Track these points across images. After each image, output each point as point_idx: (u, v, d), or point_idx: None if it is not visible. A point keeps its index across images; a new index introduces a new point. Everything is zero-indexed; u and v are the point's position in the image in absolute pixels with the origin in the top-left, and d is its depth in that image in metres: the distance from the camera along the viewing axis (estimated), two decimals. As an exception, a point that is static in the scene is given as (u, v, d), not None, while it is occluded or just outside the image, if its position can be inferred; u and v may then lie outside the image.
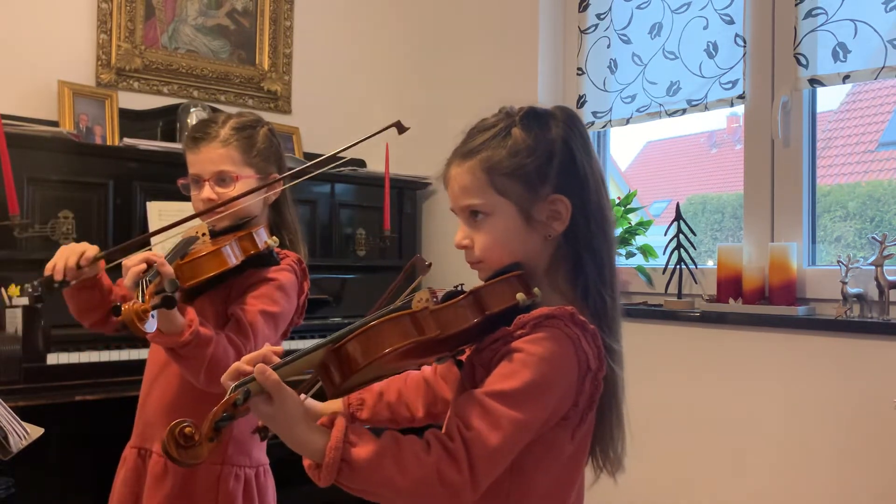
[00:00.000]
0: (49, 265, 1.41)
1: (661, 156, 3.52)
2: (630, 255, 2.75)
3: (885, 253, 2.01)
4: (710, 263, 2.58)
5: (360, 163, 3.21)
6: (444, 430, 1.01)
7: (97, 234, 2.40)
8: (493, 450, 0.96)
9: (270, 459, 1.64)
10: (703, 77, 2.52)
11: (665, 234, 2.58)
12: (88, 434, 2.17)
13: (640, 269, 2.67)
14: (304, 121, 3.25)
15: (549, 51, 2.94)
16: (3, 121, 2.20)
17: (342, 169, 2.93)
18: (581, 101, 2.88)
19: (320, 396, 1.07)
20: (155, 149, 2.54)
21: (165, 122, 2.78)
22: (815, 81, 2.24)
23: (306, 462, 0.97)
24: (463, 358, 1.11)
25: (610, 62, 2.81)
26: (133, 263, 1.32)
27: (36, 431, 1.32)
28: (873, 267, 2.02)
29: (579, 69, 2.90)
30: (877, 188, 2.38)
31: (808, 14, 2.25)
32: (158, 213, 2.36)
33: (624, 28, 2.77)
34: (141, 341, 1.73)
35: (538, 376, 0.98)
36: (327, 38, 3.38)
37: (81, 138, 2.55)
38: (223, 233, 1.54)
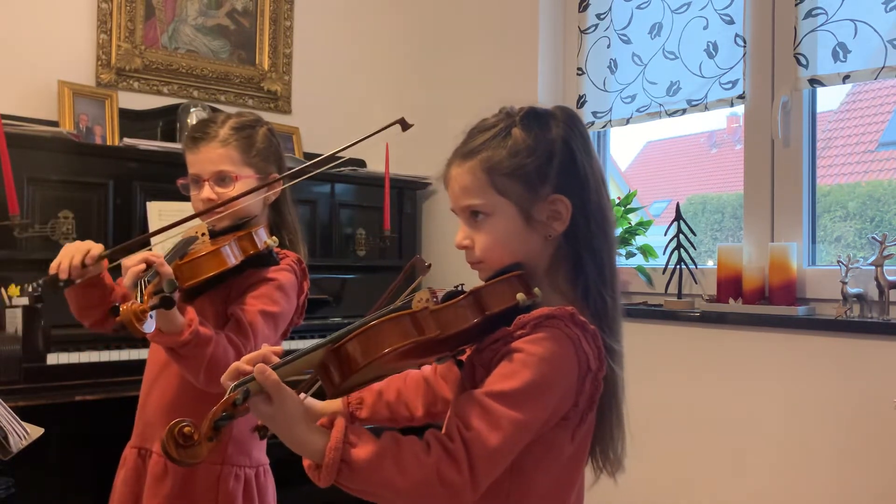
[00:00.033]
0: (54, 264, 1.41)
1: (661, 156, 3.52)
2: (630, 255, 2.75)
3: (885, 253, 2.01)
4: (710, 263, 2.58)
5: (360, 163, 3.21)
6: (443, 431, 1.01)
7: (97, 234, 2.40)
8: (493, 450, 0.96)
9: (270, 459, 1.64)
10: (703, 77, 2.52)
11: (665, 234, 2.58)
12: (88, 434, 2.17)
13: (640, 269, 2.67)
14: (304, 121, 3.25)
15: (549, 51, 2.94)
16: (3, 121, 2.20)
17: (342, 169, 2.94)
18: (581, 101, 2.88)
19: (320, 395, 1.07)
20: (155, 149, 2.54)
21: (165, 122, 2.78)
22: (815, 81, 2.24)
23: (306, 462, 0.97)
24: (463, 358, 1.11)
25: (610, 62, 2.81)
26: (132, 264, 1.32)
27: (36, 431, 1.32)
28: (873, 267, 2.02)
29: (579, 69, 2.90)
30: (877, 188, 2.38)
31: (808, 14, 2.25)
32: (158, 213, 2.36)
33: (624, 28, 2.77)
34: (141, 341, 1.73)
35: (538, 376, 0.98)
36: (327, 38, 3.38)
37: (81, 138, 2.55)
38: (223, 233, 1.54)
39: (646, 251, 2.71)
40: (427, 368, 1.29)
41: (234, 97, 3.13)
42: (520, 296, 1.02)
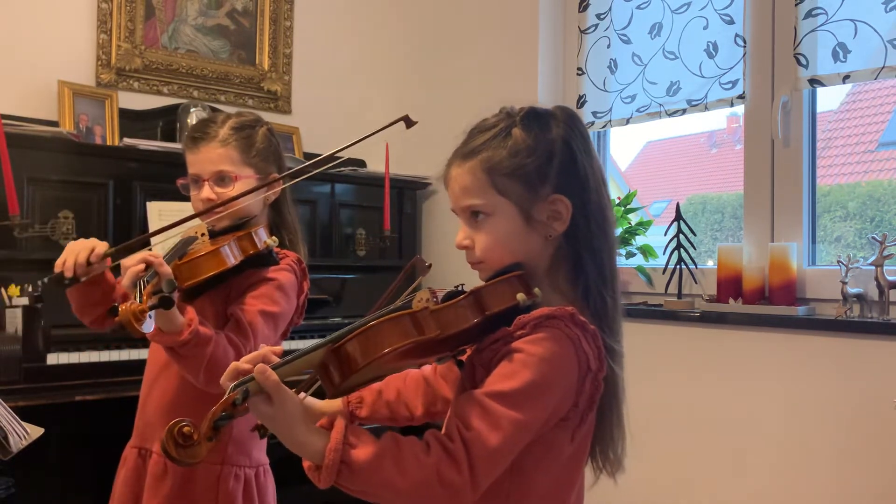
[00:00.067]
0: (59, 261, 1.41)
1: (661, 156, 3.52)
2: (630, 255, 2.75)
3: (885, 253, 2.01)
4: (710, 263, 2.58)
5: (360, 163, 3.21)
6: (443, 431, 1.01)
7: (97, 234, 2.36)
8: (493, 450, 0.96)
9: (270, 459, 1.64)
10: (703, 77, 2.52)
11: (665, 234, 2.58)
12: (88, 434, 2.17)
13: (640, 269, 2.67)
14: (304, 121, 3.25)
15: (549, 51, 2.94)
16: (3, 121, 2.20)
17: (342, 169, 2.94)
18: (581, 101, 2.88)
19: (320, 395, 1.07)
20: (155, 149, 2.54)
21: (165, 122, 2.78)
22: (815, 81, 2.24)
23: (306, 463, 0.96)
24: (464, 358, 1.11)
25: (610, 62, 2.81)
26: (131, 264, 1.32)
27: (36, 431, 1.32)
28: (873, 267, 2.02)
29: (579, 69, 2.90)
30: (877, 188, 2.38)
31: (808, 14, 2.25)
32: (158, 213, 2.36)
33: (624, 28, 2.77)
34: (141, 341, 1.73)
35: (538, 377, 0.98)
36: (327, 38, 3.38)
37: (81, 138, 2.55)
38: (222, 233, 1.54)
39: (646, 251, 2.71)
40: (427, 368, 1.29)
41: (234, 97, 3.13)
42: (520, 296, 1.02)
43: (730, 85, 2.45)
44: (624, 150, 3.23)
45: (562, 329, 1.01)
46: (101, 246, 1.43)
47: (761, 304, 2.26)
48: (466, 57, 3.17)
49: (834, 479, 2.05)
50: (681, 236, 2.50)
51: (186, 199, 1.64)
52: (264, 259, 1.56)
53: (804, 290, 2.26)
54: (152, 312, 1.25)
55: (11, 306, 2.06)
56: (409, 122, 1.44)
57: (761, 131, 2.38)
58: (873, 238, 2.05)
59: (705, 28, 2.52)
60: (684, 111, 2.58)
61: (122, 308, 1.21)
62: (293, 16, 3.27)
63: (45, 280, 1.41)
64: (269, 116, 2.84)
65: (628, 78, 2.74)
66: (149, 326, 1.24)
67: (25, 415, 1.36)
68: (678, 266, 2.50)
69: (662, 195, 3.30)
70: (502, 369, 1.00)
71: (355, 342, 0.96)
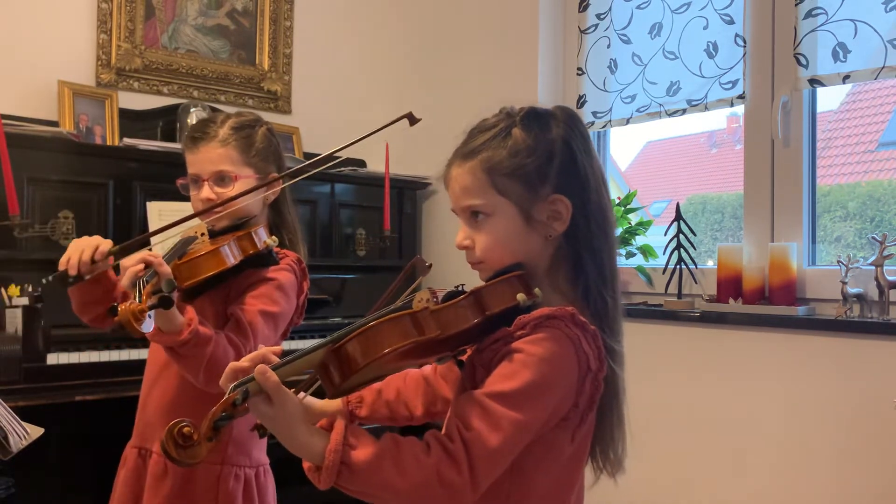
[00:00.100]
0: (63, 259, 1.41)
1: (661, 156, 3.52)
2: (630, 255, 2.75)
3: (885, 253, 2.01)
4: (710, 263, 2.58)
5: (360, 163, 3.21)
6: (443, 431, 1.00)
7: (97, 234, 2.37)
8: (493, 450, 0.96)
9: (270, 459, 1.64)
10: (703, 77, 2.52)
11: (665, 234, 2.58)
12: (88, 434, 2.17)
13: (640, 269, 2.67)
14: (304, 121, 3.25)
15: (549, 51, 2.94)
16: (3, 121, 2.20)
17: (342, 169, 2.94)
18: (581, 101, 2.88)
19: (320, 394, 1.07)
20: (155, 149, 2.54)
21: (165, 122, 2.78)
22: (815, 81, 2.24)
23: (306, 464, 0.96)
24: (464, 358, 1.11)
25: (610, 62, 2.81)
26: (130, 264, 1.32)
27: (36, 431, 1.32)
28: (873, 267, 2.02)
29: (579, 69, 2.90)
30: (877, 188, 2.38)
31: (808, 14, 2.25)
32: (158, 213, 2.36)
33: (624, 28, 2.77)
34: (141, 341, 1.73)
35: (538, 377, 0.98)
36: (327, 38, 3.38)
37: (81, 138, 2.55)
38: (222, 233, 1.54)
39: (646, 251, 2.71)
40: (427, 368, 1.29)
41: (234, 97, 3.13)
42: (520, 296, 1.02)
43: (730, 85, 2.45)
44: (624, 150, 3.23)
45: (562, 329, 1.01)
46: (106, 244, 1.43)
47: (761, 304, 2.26)
48: (466, 57, 3.17)
49: (834, 479, 2.05)
50: (681, 236, 2.50)
51: (186, 199, 1.63)
52: (264, 259, 1.56)
53: (804, 290, 2.26)
54: (152, 312, 1.25)
55: (11, 306, 2.06)
56: (412, 120, 1.44)
57: (761, 131, 2.38)
58: (873, 238, 2.05)
59: (705, 28, 2.52)
60: (684, 111, 2.58)
61: (121, 308, 1.20)
62: (293, 16, 3.27)
63: (50, 278, 1.40)
64: (269, 116, 2.84)
65: (628, 78, 2.74)
66: (148, 326, 1.24)
67: (25, 415, 1.36)
68: (678, 266, 2.50)
69: (662, 195, 3.30)
70: (502, 369, 1.00)
71: (355, 342, 0.96)
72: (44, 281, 1.41)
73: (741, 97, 2.42)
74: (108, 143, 2.68)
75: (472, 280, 1.09)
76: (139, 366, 1.70)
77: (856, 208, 2.36)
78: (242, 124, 1.62)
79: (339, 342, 0.97)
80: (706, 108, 2.52)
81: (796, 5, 2.27)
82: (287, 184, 1.65)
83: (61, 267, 1.40)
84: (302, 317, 1.66)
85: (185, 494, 1.50)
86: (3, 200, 2.15)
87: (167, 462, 1.43)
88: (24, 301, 2.06)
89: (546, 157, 1.08)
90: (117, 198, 2.48)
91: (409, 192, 3.22)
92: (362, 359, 0.95)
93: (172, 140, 2.68)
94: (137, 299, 1.25)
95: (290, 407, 0.95)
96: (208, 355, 1.38)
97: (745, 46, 2.41)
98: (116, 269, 1.42)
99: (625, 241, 2.72)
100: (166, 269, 1.33)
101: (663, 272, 2.54)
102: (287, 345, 2.18)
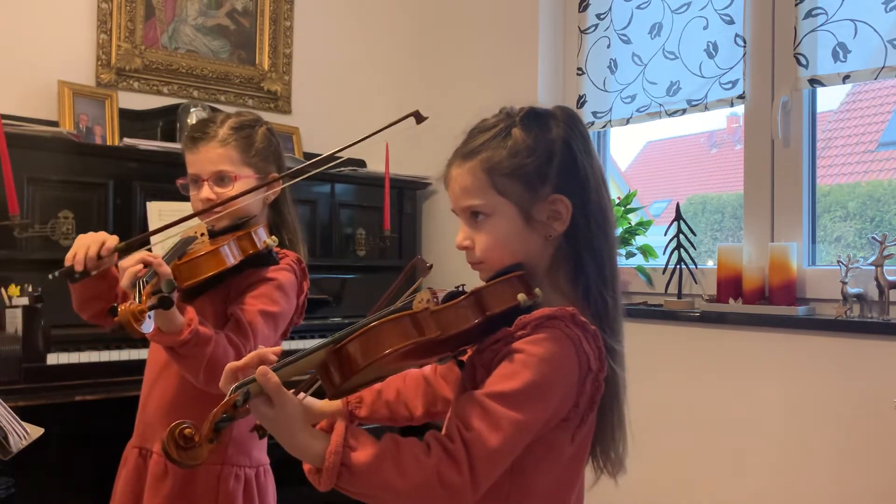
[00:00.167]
0: (69, 255, 1.41)
1: (661, 156, 3.52)
2: (630, 255, 2.75)
3: (885, 253, 2.01)
4: (710, 263, 2.58)
5: (360, 163, 3.21)
6: (444, 431, 1.00)
7: (97, 234, 2.40)
8: (494, 451, 0.96)
9: (270, 459, 1.64)
10: (703, 77, 2.52)
11: (665, 234, 2.58)
12: (88, 434, 2.17)
13: (640, 269, 2.67)
14: (304, 121, 3.25)
15: (549, 51, 2.94)
16: (3, 121, 2.19)
17: (342, 169, 2.94)
18: (581, 101, 2.88)
19: (320, 395, 1.07)
20: (155, 149, 2.54)
21: (165, 122, 2.77)
22: (815, 81, 2.24)
23: (306, 466, 0.96)
24: (464, 358, 1.11)
25: (610, 62, 2.81)
26: (129, 264, 1.32)
27: (36, 431, 1.32)
28: (873, 267, 2.02)
29: (579, 69, 2.90)
30: (877, 188, 2.38)
31: (808, 14, 2.25)
32: (158, 213, 2.36)
33: (624, 28, 2.77)
34: (141, 341, 1.73)
35: (539, 377, 0.98)
36: (327, 38, 3.38)
37: (81, 138, 2.55)
38: (222, 233, 1.54)
39: (646, 251, 2.71)
40: (427, 368, 1.29)
41: (234, 97, 3.13)
42: (521, 296, 1.02)
43: (730, 85, 2.45)
44: (624, 150, 3.23)
45: (562, 329, 1.01)
46: (112, 240, 1.43)
47: (761, 304, 2.26)
48: (466, 57, 3.17)
49: (834, 479, 2.05)
50: (681, 236, 2.50)
51: (186, 199, 1.63)
52: (264, 259, 1.56)
53: (804, 290, 2.26)
54: (152, 312, 1.25)
55: (11, 306, 2.06)
56: (419, 118, 1.43)
57: (761, 131, 2.38)
58: (873, 238, 2.05)
59: (705, 28, 2.52)
60: (684, 111, 2.58)
61: (121, 308, 1.20)
62: (293, 16, 3.27)
63: (56, 273, 1.40)
64: (269, 116, 2.84)
65: (628, 78, 2.74)
66: (148, 327, 1.24)
67: (25, 415, 1.36)
68: (678, 266, 2.50)
69: (662, 195, 3.30)
70: (503, 370, 1.00)
71: (356, 343, 0.96)
72: (50, 276, 1.41)
73: (741, 97, 2.42)
74: (108, 143, 2.68)
75: (473, 280, 1.09)
76: (139, 366, 1.70)
77: (856, 208, 2.36)
78: (242, 124, 1.62)
79: (340, 343, 0.97)
80: (706, 108, 2.52)
81: (796, 5, 2.27)
82: (287, 184, 1.65)
83: (67, 263, 1.40)
84: (302, 317, 1.66)
85: (186, 494, 1.50)
86: (3, 200, 2.14)
87: (168, 462, 1.44)
88: (24, 301, 2.06)
89: (546, 157, 1.08)
90: (117, 198, 2.48)
91: (409, 192, 3.22)
92: (363, 359, 0.95)
93: (172, 140, 2.68)
94: (137, 300, 1.25)
95: (290, 408, 0.95)
96: (208, 355, 1.37)
97: (745, 46, 2.41)
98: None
99: (625, 241, 2.72)
100: (166, 269, 1.33)
101: (663, 272, 2.54)
102: (287, 345, 2.18)
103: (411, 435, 1.00)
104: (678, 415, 2.38)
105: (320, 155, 1.60)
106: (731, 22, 2.45)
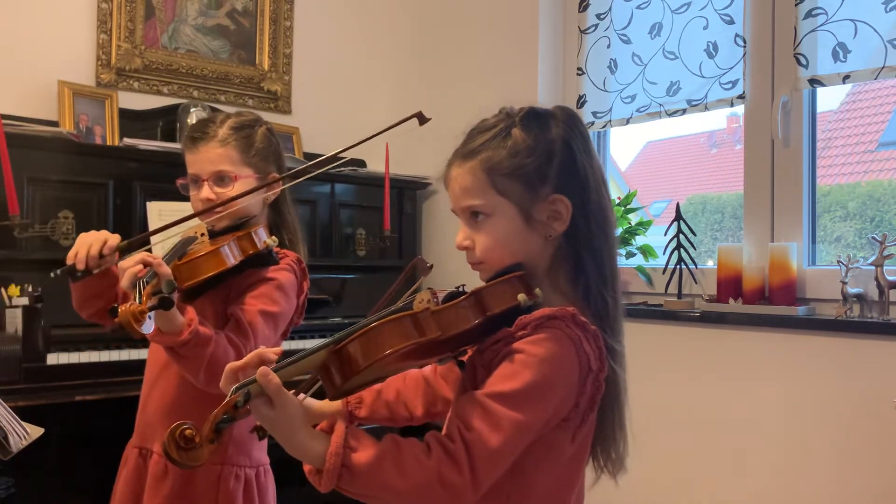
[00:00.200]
0: (71, 253, 1.41)
1: (661, 156, 3.52)
2: (630, 255, 2.75)
3: (885, 253, 2.01)
4: (710, 263, 2.58)
5: (360, 163, 3.21)
6: (444, 432, 1.00)
7: (97, 234, 2.40)
8: (494, 451, 0.96)
9: (270, 459, 1.64)
10: (703, 77, 2.52)
11: (665, 234, 2.58)
12: (88, 434, 2.17)
13: (640, 269, 2.67)
14: (304, 121, 3.25)
15: (549, 51, 2.94)
16: (3, 121, 2.19)
17: (342, 169, 2.93)
18: (581, 101, 2.88)
19: (320, 395, 1.07)
20: (155, 149, 2.54)
21: (165, 122, 2.78)
22: (815, 81, 2.24)
23: (307, 467, 0.96)
24: (465, 358, 1.11)
25: (610, 62, 2.81)
26: (130, 265, 1.32)
27: (36, 431, 1.32)
28: (873, 267, 2.02)
29: (579, 69, 2.90)
30: (877, 188, 2.38)
31: (808, 14, 2.25)
32: (158, 213, 2.36)
33: (624, 28, 2.77)
34: (141, 341, 1.73)
35: (539, 377, 0.98)
36: (327, 38, 3.38)
37: (81, 138, 2.55)
38: (222, 233, 1.54)
39: (646, 251, 2.71)
40: (427, 368, 1.29)
41: (234, 97, 3.13)
42: (521, 296, 1.02)
43: (730, 85, 2.45)
44: (624, 150, 3.23)
45: (563, 329, 1.01)
46: (114, 238, 1.43)
47: (761, 304, 2.26)
48: (466, 57, 3.17)
49: (834, 479, 2.05)
50: (681, 236, 2.50)
51: (186, 199, 1.63)
52: (264, 259, 1.56)
53: (804, 290, 2.26)
54: (152, 313, 1.25)
55: (11, 306, 2.06)
56: (422, 119, 1.43)
57: (761, 131, 2.38)
58: (873, 238, 2.05)
59: (705, 28, 2.52)
60: (684, 111, 2.58)
61: (121, 309, 1.20)
62: (293, 16, 3.27)
63: (58, 272, 1.40)
64: (269, 116, 2.84)
65: (628, 78, 2.74)
66: (149, 327, 1.24)
67: (25, 415, 1.36)
68: (678, 266, 2.50)
69: (662, 195, 3.30)
70: (503, 370, 1.00)
71: (356, 343, 0.96)
72: (52, 274, 1.41)
73: (741, 97, 2.42)
74: (108, 143, 2.68)
75: (473, 280, 1.09)
76: (139, 366, 1.70)
77: (856, 208, 2.36)
78: (242, 124, 1.62)
79: (340, 343, 0.97)
80: (706, 108, 2.52)
81: (796, 5, 2.27)
82: (288, 185, 1.65)
83: (69, 261, 1.40)
84: (302, 317, 1.66)
85: (186, 494, 1.50)
86: (3, 200, 2.14)
87: (168, 462, 1.44)
88: (24, 301, 2.06)
89: (546, 157, 1.08)
90: (117, 198, 2.48)
91: (409, 192, 3.22)
92: (363, 360, 0.95)
93: (172, 140, 2.68)
94: (137, 300, 1.25)
95: (291, 409, 0.95)
96: (208, 355, 1.37)
97: (745, 46, 2.41)
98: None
99: (625, 241, 2.72)
100: (166, 269, 1.33)
101: (663, 272, 2.54)
102: (287, 345, 2.18)
103: (411, 435, 1.00)
104: (678, 415, 2.38)
105: (320, 155, 1.60)
106: (731, 22, 2.45)
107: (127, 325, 1.20)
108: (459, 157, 1.11)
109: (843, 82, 2.20)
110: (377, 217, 3.03)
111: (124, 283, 1.31)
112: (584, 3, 2.90)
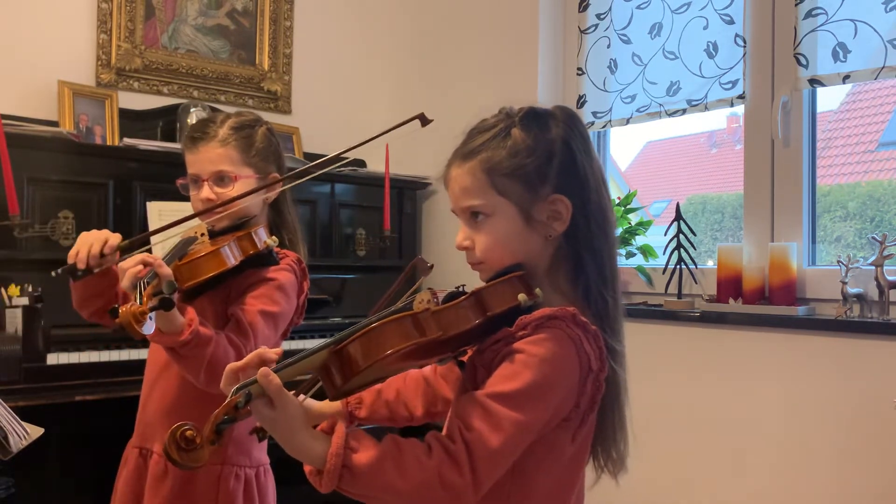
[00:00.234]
0: (72, 253, 1.41)
1: (661, 156, 3.52)
2: (630, 255, 2.75)
3: (885, 253, 2.01)
4: (710, 263, 2.58)
5: (360, 163, 3.21)
6: (444, 432, 1.00)
7: (97, 234, 2.40)
8: (495, 451, 0.96)
9: (270, 459, 1.64)
10: (703, 77, 2.52)
11: (665, 234, 2.58)
12: (88, 434, 2.17)
13: (640, 269, 2.67)
14: (304, 121, 3.25)
15: (549, 51, 2.94)
16: (3, 121, 2.19)
17: (342, 169, 2.94)
18: (581, 101, 2.88)
19: (321, 396, 1.07)
20: (155, 149, 2.54)
21: (165, 122, 2.78)
22: (815, 81, 2.24)
23: (307, 468, 0.96)
24: (465, 358, 1.11)
25: (610, 62, 2.81)
26: (130, 265, 1.32)
27: (36, 431, 1.32)
28: (873, 267, 2.02)
29: (579, 69, 2.90)
30: (877, 188, 2.38)
31: (808, 14, 2.25)
32: (158, 213, 2.36)
33: (624, 28, 2.77)
34: (141, 341, 1.73)
35: (539, 377, 0.98)
36: (327, 38, 3.38)
37: (81, 138, 2.55)
38: (222, 233, 1.54)
39: (646, 251, 2.71)
40: (427, 368, 1.29)
41: (234, 97, 3.13)
42: (521, 296, 1.02)
43: (730, 85, 2.45)
44: (624, 150, 3.23)
45: (563, 330, 1.01)
46: (115, 237, 1.43)
47: (761, 304, 2.26)
48: (466, 57, 3.17)
49: (834, 479, 2.05)
50: (681, 236, 2.50)
51: (186, 199, 1.63)
52: (264, 259, 1.56)
53: (804, 290, 2.26)
54: (153, 313, 1.25)
55: (11, 306, 2.06)
56: (424, 121, 1.43)
57: (761, 131, 2.38)
58: (873, 238, 2.06)
59: (705, 28, 2.52)
60: (684, 111, 2.58)
61: (122, 310, 1.20)
62: (293, 16, 3.27)
63: (59, 271, 1.40)
64: (269, 116, 2.84)
65: (628, 78, 2.74)
66: (149, 328, 1.24)
67: (25, 415, 1.36)
68: (678, 266, 2.50)
69: (662, 195, 3.30)
70: (504, 370, 1.00)
71: (357, 344, 0.96)
72: (53, 273, 1.41)
73: (741, 97, 2.42)
74: (108, 143, 2.68)
75: (473, 280, 1.09)
76: (139, 366, 1.70)
77: (856, 208, 2.36)
78: (242, 124, 1.62)
79: (341, 344, 0.97)
80: (706, 108, 2.52)
81: (796, 5, 2.27)
82: (288, 185, 1.65)
83: (70, 260, 1.40)
84: (302, 317, 1.66)
85: (186, 494, 1.50)
86: (3, 200, 2.14)
87: (168, 463, 1.44)
88: (24, 301, 2.06)
89: (546, 157, 1.08)
90: (117, 198, 2.48)
91: (409, 192, 3.22)
92: (364, 360, 0.95)
93: (172, 140, 2.68)
94: (138, 301, 1.25)
95: (291, 410, 0.95)
96: (209, 356, 1.37)
97: (745, 46, 2.41)
98: None
99: (625, 241, 2.72)
100: (167, 270, 1.33)
101: (663, 272, 2.54)
102: (287, 345, 2.18)
103: (412, 435, 1.00)
104: (678, 415, 2.38)
105: (320, 155, 1.60)
106: (731, 22, 2.45)
107: (128, 325, 1.20)
108: (459, 158, 1.11)
109: (843, 82, 2.20)
110: (377, 217, 3.03)
111: (125, 283, 1.31)
112: (584, 3, 2.90)
